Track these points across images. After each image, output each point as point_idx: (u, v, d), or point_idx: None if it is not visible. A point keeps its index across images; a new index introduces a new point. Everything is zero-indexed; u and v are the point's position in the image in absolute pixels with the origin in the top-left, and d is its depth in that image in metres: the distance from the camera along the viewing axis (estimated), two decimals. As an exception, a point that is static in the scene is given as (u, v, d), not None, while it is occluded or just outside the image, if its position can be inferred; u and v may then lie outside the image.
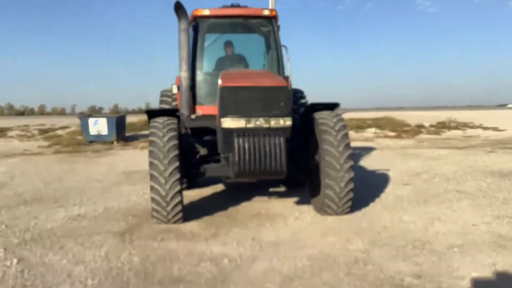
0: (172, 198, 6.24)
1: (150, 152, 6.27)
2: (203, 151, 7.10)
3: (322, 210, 6.78)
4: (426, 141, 20.70)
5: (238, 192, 8.71)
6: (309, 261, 4.97)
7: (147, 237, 5.99)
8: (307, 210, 7.26)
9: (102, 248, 5.55)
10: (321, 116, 6.81)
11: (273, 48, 8.36)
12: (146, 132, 26.47)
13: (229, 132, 6.04)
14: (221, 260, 5.05)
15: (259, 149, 5.83)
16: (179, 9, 7.48)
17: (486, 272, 4.58)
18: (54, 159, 15.27)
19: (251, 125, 6.01)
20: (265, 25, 8.32)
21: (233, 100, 6.07)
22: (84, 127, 20.46)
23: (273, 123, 6.04)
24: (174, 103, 8.79)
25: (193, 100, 7.89)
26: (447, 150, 16.09)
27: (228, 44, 8.67)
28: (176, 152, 6.29)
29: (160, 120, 6.74)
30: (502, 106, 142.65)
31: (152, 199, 6.29)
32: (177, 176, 6.22)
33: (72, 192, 9.17)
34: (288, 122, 6.11)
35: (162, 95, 9.07)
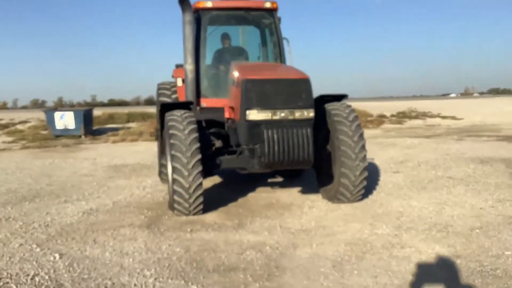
0: (194, 190, 6.33)
1: (172, 145, 6.32)
2: (218, 143, 7.19)
3: (336, 198, 7.02)
4: (392, 130, 21.40)
5: (239, 184, 8.83)
6: (348, 246, 5.19)
7: (174, 229, 6.06)
8: (317, 199, 7.48)
9: (137, 241, 5.59)
10: (333, 107, 7.02)
11: (275, 40, 8.51)
12: (113, 125, 26.32)
13: (255, 124, 6.16)
14: (263, 248, 5.20)
15: (287, 140, 5.99)
16: (183, 1, 7.53)
17: (516, 250, 4.94)
18: (28, 154, 14.90)
19: (277, 117, 6.17)
20: (267, 17, 8.45)
21: (258, 92, 6.20)
22: (50, 121, 19.97)
23: (297, 114, 6.22)
24: (173, 96, 8.80)
25: (196, 92, 7.95)
26: (417, 139, 16.72)
27: (225, 36, 8.74)
28: (198, 144, 6.38)
29: (178, 113, 6.78)
30: (446, 95, 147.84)
31: (174, 191, 6.35)
32: (200, 168, 6.31)
33: (68, 187, 9.06)
34: (311, 113, 6.31)
35: (160, 88, 9.06)
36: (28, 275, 4.59)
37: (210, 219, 6.49)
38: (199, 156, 6.32)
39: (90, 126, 21.16)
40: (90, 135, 20.25)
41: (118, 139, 18.69)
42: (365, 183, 6.89)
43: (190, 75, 7.60)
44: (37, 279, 4.47)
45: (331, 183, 7.18)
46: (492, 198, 7.23)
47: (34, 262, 4.95)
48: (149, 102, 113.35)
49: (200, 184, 6.36)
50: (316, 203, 7.28)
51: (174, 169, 6.27)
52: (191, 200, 6.38)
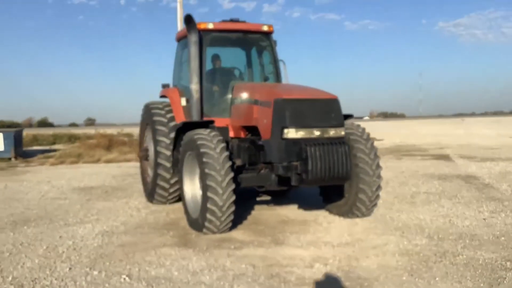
0: (227, 208, 6.39)
1: (205, 164, 6.35)
2: (238, 161, 7.29)
3: (351, 213, 7.34)
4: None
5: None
6: (402, 257, 5.50)
7: (215, 247, 6.06)
8: (325, 215, 7.78)
9: (192, 259, 5.55)
10: (347, 127, 7.39)
11: (271, 62, 8.80)
12: (39, 147, 24.96)
13: (294, 142, 6.35)
14: (327, 262, 5.37)
15: (329, 157, 6.24)
16: (190, 22, 7.65)
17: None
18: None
19: (313, 136, 6.41)
20: (264, 40, 8.76)
21: (294, 111, 6.42)
22: (-23, 143, 18.64)
23: (331, 133, 6.51)
24: (168, 116, 8.75)
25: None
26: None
27: (217, 57, 8.90)
28: (230, 162, 6.48)
29: (204, 132, 6.84)
30: (359, 118, 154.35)
31: (207, 210, 6.36)
32: (233, 186, 6.40)
33: (52, 211, 8.68)
34: (342, 132, 6.63)
35: (152, 108, 8.92)
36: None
37: (239, 237, 6.55)
38: (232, 174, 6.42)
39: (21, 148, 20.04)
40: (20, 157, 19.14)
41: (56, 162, 17.83)
42: (379, 198, 7.30)
43: (196, 95, 7.67)
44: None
45: (341, 199, 7.51)
46: (485, 210, 7.91)
47: (107, 285, 4.77)
48: (42, 124, 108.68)
49: (233, 202, 6.43)
50: (329, 218, 7.56)
51: (209, 187, 6.29)
52: (223, 218, 6.43)
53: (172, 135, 8.37)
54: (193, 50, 7.66)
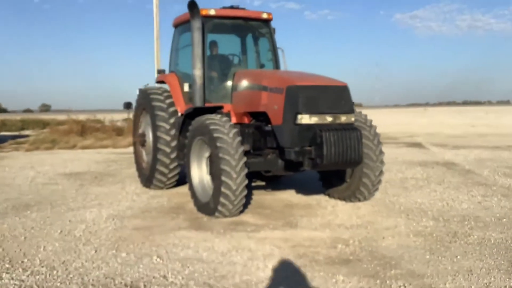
0: (241, 192, 6.53)
1: (219, 148, 6.45)
2: (246, 147, 7.39)
3: (353, 197, 7.58)
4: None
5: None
6: (417, 237, 5.76)
7: (233, 230, 6.18)
8: (326, 199, 8.01)
9: (215, 241, 5.66)
10: None
11: (270, 49, 8.93)
12: (8, 133, 24.27)
13: (308, 127, 6.51)
14: (347, 242, 5.59)
15: (343, 142, 6.43)
16: (193, 8, 7.69)
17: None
18: None
19: (326, 122, 6.59)
20: (263, 27, 8.87)
21: (308, 98, 6.57)
22: None
23: (343, 119, 6.71)
24: (167, 101, 8.76)
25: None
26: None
27: (214, 44, 8.97)
28: (243, 147, 6.61)
29: (216, 117, 6.93)
30: None
31: (221, 194, 6.47)
32: (246, 170, 6.55)
33: (49, 196, 8.60)
34: (353, 118, 6.84)
35: (152, 94, 8.91)
36: (164, 277, 4.53)
37: (251, 220, 6.68)
38: (245, 159, 6.55)
39: (-9, 133, 19.48)
40: (-9, 143, 18.66)
41: (31, 148, 17.47)
42: (381, 183, 7.57)
43: (199, 81, 7.70)
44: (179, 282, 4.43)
45: (342, 184, 7.75)
46: (477, 194, 8.28)
47: (141, 265, 4.85)
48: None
49: (245, 186, 6.57)
50: (330, 202, 7.78)
51: (223, 172, 6.39)
52: (236, 202, 6.55)
53: (172, 120, 8.43)
54: (197, 36, 7.69)
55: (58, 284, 4.39)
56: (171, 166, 8.55)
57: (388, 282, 4.35)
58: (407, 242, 5.59)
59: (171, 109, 8.58)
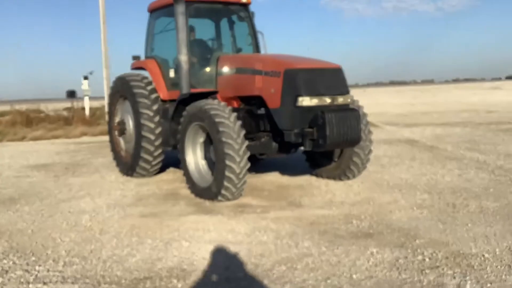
0: (244, 175, 6.65)
1: (222, 133, 6.51)
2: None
3: (343, 175, 7.85)
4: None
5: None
6: (421, 210, 6.11)
7: (242, 213, 6.30)
8: (314, 179, 8.26)
9: (233, 224, 5.77)
10: None
11: (250, 33, 9.03)
12: None
13: (308, 109, 6.68)
14: (360, 217, 5.86)
15: (344, 122, 6.65)
16: None
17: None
18: None
19: (325, 103, 6.79)
20: (242, 11, 8.95)
21: (306, 81, 6.73)
22: None
23: (340, 100, 6.94)
24: (149, 88, 8.67)
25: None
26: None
27: (191, 29, 8.95)
28: (244, 131, 6.71)
29: (213, 102, 7.00)
30: None
31: (225, 177, 6.55)
32: (248, 153, 6.67)
33: (27, 189, 8.36)
34: (349, 99, 7.08)
35: (132, 80, 8.77)
36: (204, 259, 4.60)
37: (254, 202, 6.81)
38: (247, 142, 6.66)
39: None
40: None
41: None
42: (369, 160, 7.89)
43: (185, 66, 7.64)
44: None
45: (331, 163, 8.02)
46: (453, 168, 8.80)
47: (175, 251, 4.90)
48: None
49: (247, 169, 6.69)
50: (321, 181, 8.04)
51: (227, 156, 6.47)
52: (239, 185, 6.67)
53: (155, 107, 8.38)
54: (181, 20, 7.63)
55: (102, 273, 4.37)
56: (155, 153, 8.50)
57: (419, 250, 4.63)
58: (414, 214, 5.92)
59: (153, 95, 8.51)
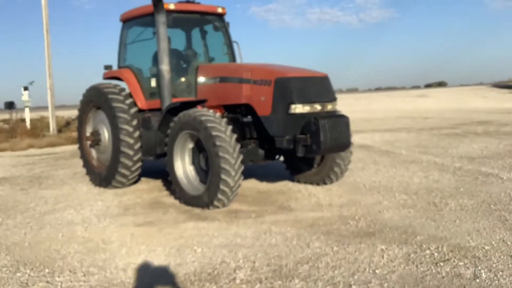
0: (237, 187, 6.84)
1: (218, 147, 6.61)
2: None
3: (327, 178, 8.10)
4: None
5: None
6: (407, 209, 6.51)
7: (237, 218, 6.46)
8: (292, 184, 8.53)
9: (234, 230, 5.93)
10: None
11: (226, 43, 9.25)
12: None
13: (301, 116, 6.93)
14: (354, 218, 6.17)
15: (335, 128, 6.93)
16: (158, 2, 7.81)
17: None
18: None
19: (316, 110, 7.06)
20: (218, 21, 9.15)
21: (298, 89, 6.98)
22: None
23: (329, 107, 7.26)
24: (128, 101, 8.55)
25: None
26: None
27: (168, 39, 9.02)
28: (239, 144, 6.90)
29: (208, 112, 7.07)
30: None
31: (219, 190, 6.66)
32: (242, 167, 6.86)
33: (1, 203, 8.15)
34: (336, 106, 7.43)
35: (109, 93, 8.64)
36: (224, 262, 4.74)
37: (243, 208, 6.98)
38: (241, 156, 6.84)
39: None
40: None
41: None
42: (350, 163, 8.23)
43: (167, 76, 7.76)
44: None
45: (311, 169, 8.34)
46: (417, 170, 9.33)
47: (191, 257, 5.00)
48: None
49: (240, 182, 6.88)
50: (299, 186, 8.32)
51: (222, 170, 6.57)
52: (231, 197, 6.84)
53: (132, 111, 8.38)
54: (162, 30, 7.74)
55: (128, 280, 4.42)
56: (133, 168, 8.44)
57: (424, 246, 4.99)
58: (403, 213, 6.31)
59: (128, 101, 8.50)
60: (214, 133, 6.68)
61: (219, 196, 6.69)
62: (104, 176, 8.84)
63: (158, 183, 9.14)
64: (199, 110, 7.18)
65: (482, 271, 4.26)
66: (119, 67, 9.25)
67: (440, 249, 4.88)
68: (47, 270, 4.79)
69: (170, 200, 7.60)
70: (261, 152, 7.56)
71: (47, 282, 4.47)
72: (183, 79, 8.55)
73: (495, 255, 4.65)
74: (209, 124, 6.77)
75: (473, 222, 5.76)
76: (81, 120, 9.53)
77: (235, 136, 6.83)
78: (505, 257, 4.59)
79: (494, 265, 4.39)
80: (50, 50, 20.68)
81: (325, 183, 8.18)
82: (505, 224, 5.65)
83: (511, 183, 7.75)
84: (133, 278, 4.47)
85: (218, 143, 6.62)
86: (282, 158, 8.52)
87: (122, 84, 8.95)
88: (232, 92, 7.59)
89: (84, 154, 9.53)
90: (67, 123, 25.38)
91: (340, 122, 7.07)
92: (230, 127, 6.88)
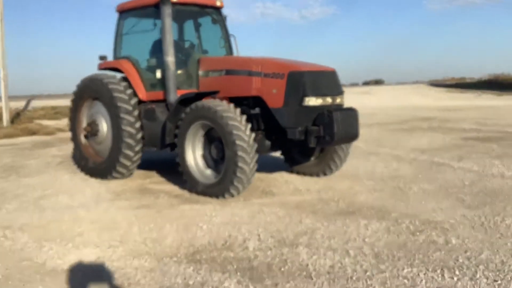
0: (252, 175, 7.31)
1: (235, 135, 7.02)
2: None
3: (326, 171, 8.65)
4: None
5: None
6: (381, 193, 7.35)
7: (228, 201, 7.11)
8: (267, 173, 9.25)
9: (229, 210, 6.61)
10: None
11: (223, 36, 9.69)
12: None
13: (314, 109, 7.42)
14: (334, 200, 6.99)
15: (347, 120, 7.49)
16: None
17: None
18: None
19: (328, 103, 7.56)
20: (216, 14, 9.56)
21: (311, 82, 7.42)
22: None
23: (338, 100, 7.82)
24: (128, 92, 8.64)
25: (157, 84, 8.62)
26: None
27: None
28: (253, 134, 7.33)
29: (223, 103, 7.41)
30: None
31: (236, 178, 7.07)
32: (257, 155, 7.31)
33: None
34: (343, 99, 8.02)
35: (108, 83, 8.71)
36: (244, 241, 5.41)
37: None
38: (256, 145, 7.30)
39: None
40: None
41: None
42: (349, 153, 8.76)
43: (172, 67, 8.07)
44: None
45: (308, 161, 8.92)
46: (376, 161, 10.28)
47: (206, 236, 5.64)
48: None
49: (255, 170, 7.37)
50: (277, 174, 9.02)
51: (240, 159, 6.99)
52: (246, 185, 7.29)
53: (133, 101, 8.57)
54: (167, 22, 8.01)
55: (155, 251, 4.99)
56: (135, 158, 8.62)
57: (399, 221, 5.86)
58: (375, 196, 7.17)
59: (128, 91, 8.64)
60: (230, 122, 7.07)
61: (236, 183, 7.09)
62: (104, 167, 8.90)
63: (139, 172, 9.47)
64: (212, 100, 7.54)
65: (452, 238, 5.15)
66: (115, 58, 9.40)
67: (413, 223, 5.75)
68: (70, 245, 5.29)
69: (157, 186, 8.12)
70: (267, 143, 7.96)
71: (77, 254, 4.98)
72: (183, 71, 8.74)
73: (460, 227, 5.56)
74: (225, 114, 7.14)
75: (436, 202, 6.68)
76: (76, 110, 9.56)
77: (249, 125, 7.25)
78: (468, 228, 5.51)
79: (460, 234, 5.29)
80: (4, 40, 20.42)
81: (324, 174, 8.69)
82: (463, 203, 6.60)
83: (462, 171, 8.77)
84: (157, 249, 5.05)
85: (235, 131, 7.02)
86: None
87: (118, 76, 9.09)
88: (241, 85, 7.92)
89: (78, 145, 9.58)
90: (17, 114, 24.99)
91: (351, 114, 7.67)
92: (244, 117, 7.28)
